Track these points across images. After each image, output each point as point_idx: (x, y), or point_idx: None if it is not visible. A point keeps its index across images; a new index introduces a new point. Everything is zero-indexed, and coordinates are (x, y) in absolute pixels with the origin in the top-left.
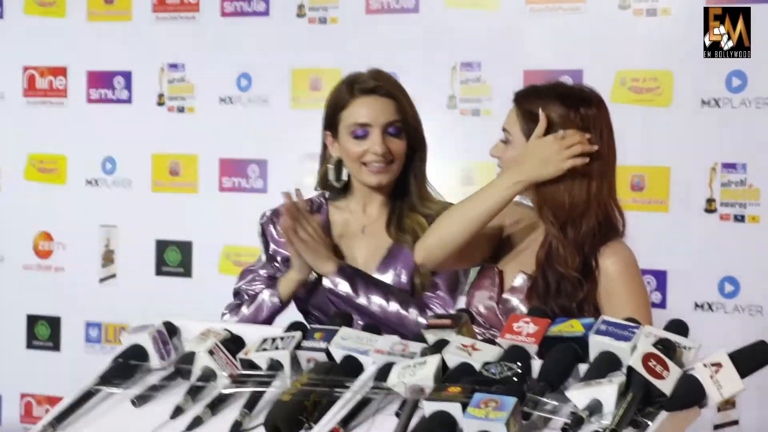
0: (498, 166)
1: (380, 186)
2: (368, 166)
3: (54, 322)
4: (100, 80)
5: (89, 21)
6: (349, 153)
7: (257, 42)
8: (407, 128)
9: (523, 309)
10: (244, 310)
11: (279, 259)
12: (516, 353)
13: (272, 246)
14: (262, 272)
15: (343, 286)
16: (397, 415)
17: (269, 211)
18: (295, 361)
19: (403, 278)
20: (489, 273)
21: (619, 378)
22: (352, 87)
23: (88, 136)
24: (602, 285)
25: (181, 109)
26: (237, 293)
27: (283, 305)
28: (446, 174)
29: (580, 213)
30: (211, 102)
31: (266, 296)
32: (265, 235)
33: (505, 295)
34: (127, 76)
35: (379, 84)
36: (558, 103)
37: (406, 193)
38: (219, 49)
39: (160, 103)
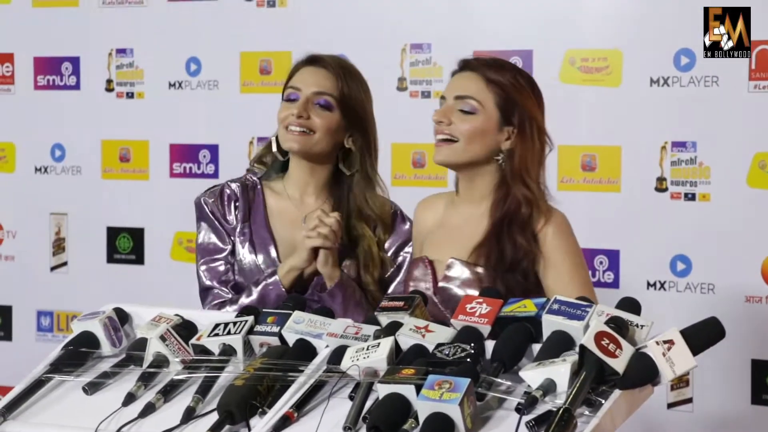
0: (445, 139)
1: (297, 151)
2: (288, 130)
3: (5, 311)
4: (47, 66)
5: (35, 7)
6: (279, 117)
7: (206, 26)
8: (343, 108)
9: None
10: (245, 300)
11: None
12: (469, 334)
13: (223, 222)
14: (231, 260)
15: (338, 302)
16: (351, 398)
17: (205, 192)
18: (247, 346)
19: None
20: (419, 264)
21: (572, 357)
22: (303, 60)
23: (37, 123)
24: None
25: (130, 95)
26: (209, 289)
27: (288, 293)
28: (397, 156)
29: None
30: (161, 87)
31: (269, 287)
32: (212, 214)
33: (441, 284)
34: (74, 61)
35: (324, 58)
36: (510, 94)
37: (347, 190)
38: (167, 34)
39: (109, 89)
